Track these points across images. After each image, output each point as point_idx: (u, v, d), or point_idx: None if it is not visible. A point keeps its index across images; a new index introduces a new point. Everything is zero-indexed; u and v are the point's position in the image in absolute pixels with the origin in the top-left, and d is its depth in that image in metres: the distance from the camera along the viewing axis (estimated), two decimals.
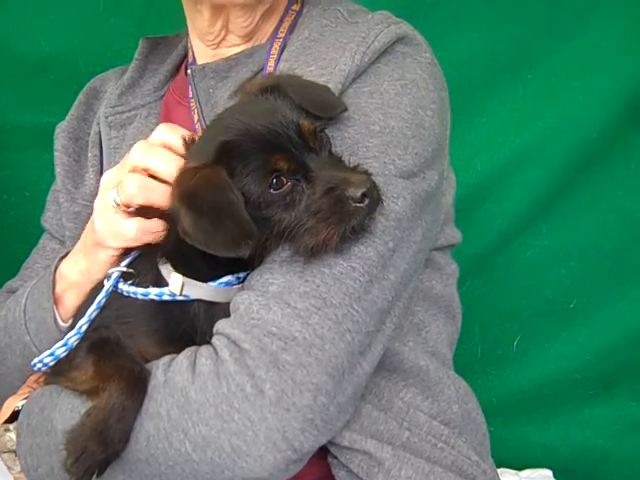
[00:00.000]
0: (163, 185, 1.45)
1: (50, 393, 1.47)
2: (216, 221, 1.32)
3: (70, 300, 1.58)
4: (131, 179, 1.49)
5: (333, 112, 1.44)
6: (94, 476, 1.33)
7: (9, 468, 1.53)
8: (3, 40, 2.57)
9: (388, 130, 1.50)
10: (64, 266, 1.63)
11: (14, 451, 1.50)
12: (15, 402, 1.54)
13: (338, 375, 1.33)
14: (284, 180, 1.34)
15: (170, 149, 1.49)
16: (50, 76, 2.57)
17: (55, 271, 1.63)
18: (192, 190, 1.33)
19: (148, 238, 1.47)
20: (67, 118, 1.95)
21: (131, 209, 1.49)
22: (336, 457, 1.52)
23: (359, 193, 1.29)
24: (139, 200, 1.47)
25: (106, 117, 1.86)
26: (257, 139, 1.34)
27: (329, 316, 1.34)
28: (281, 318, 1.33)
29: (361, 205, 1.30)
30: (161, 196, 1.43)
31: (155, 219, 1.46)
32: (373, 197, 1.31)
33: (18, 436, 1.49)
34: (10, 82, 2.59)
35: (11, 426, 1.51)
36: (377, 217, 1.38)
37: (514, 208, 2.52)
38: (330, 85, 1.52)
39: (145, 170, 1.48)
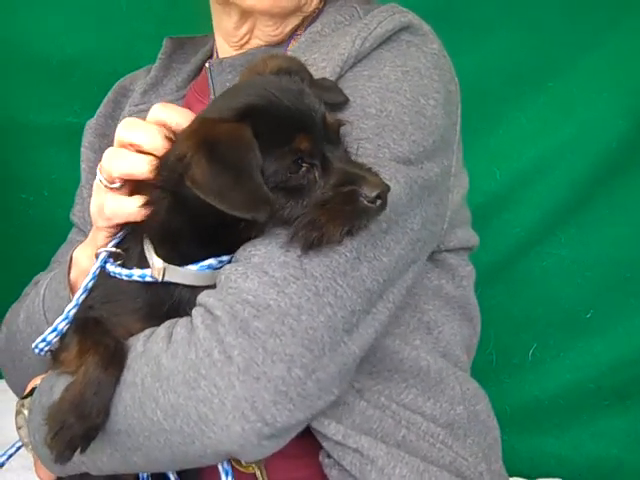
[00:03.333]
0: (140, 155, 1.42)
1: (59, 373, 1.47)
2: (237, 178, 1.25)
3: None
4: (108, 153, 1.49)
5: (336, 99, 1.43)
6: (77, 452, 1.32)
7: (24, 445, 1.54)
8: (25, 41, 2.61)
9: (385, 114, 1.47)
10: (76, 253, 1.64)
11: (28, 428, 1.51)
12: (38, 381, 1.55)
13: (317, 349, 1.28)
14: (303, 164, 1.30)
15: (163, 125, 1.46)
16: (72, 77, 2.60)
17: (71, 260, 1.64)
18: (214, 140, 1.27)
19: (125, 215, 1.46)
20: (96, 115, 1.96)
21: (115, 185, 1.48)
22: (328, 455, 1.49)
23: (374, 193, 1.27)
24: (115, 173, 1.46)
25: (130, 115, 1.85)
26: (285, 113, 1.30)
27: (308, 287, 1.30)
28: (257, 286, 1.30)
29: (372, 205, 1.28)
30: (137, 165, 1.41)
31: (135, 196, 1.43)
32: (384, 201, 1.29)
33: (29, 413, 1.50)
34: (32, 82, 2.63)
35: (26, 402, 1.52)
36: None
37: (532, 217, 2.52)
38: (328, 68, 1.51)
39: (131, 145, 1.47)
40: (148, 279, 1.41)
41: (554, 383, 2.60)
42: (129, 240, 1.49)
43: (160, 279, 1.40)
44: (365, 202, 1.28)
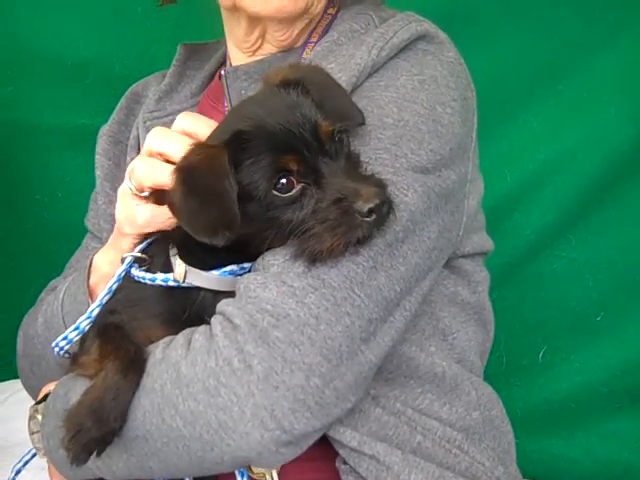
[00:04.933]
0: (170, 165, 1.43)
1: (75, 377, 1.48)
2: (203, 203, 1.31)
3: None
4: (139, 162, 1.50)
5: (348, 122, 1.41)
6: (93, 455, 1.33)
7: (37, 449, 1.55)
8: (41, 44, 2.63)
9: (402, 123, 1.48)
10: (97, 259, 1.66)
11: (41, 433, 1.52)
12: (51, 386, 1.56)
13: (335, 359, 1.30)
14: (294, 182, 1.32)
15: (190, 136, 1.48)
16: (86, 79, 2.62)
17: (90, 265, 1.66)
18: (190, 165, 1.33)
19: (157, 225, 1.48)
20: (109, 122, 1.97)
21: (144, 194, 1.50)
22: (345, 462, 1.50)
23: (366, 208, 1.26)
24: (148, 183, 1.48)
25: (144, 122, 1.87)
26: (270, 136, 1.31)
27: (326, 297, 1.31)
28: (276, 296, 1.31)
29: (368, 220, 1.28)
30: (169, 177, 1.41)
31: (164, 205, 1.44)
32: (382, 212, 1.29)
33: (43, 417, 1.51)
34: (47, 84, 2.65)
35: (39, 407, 1.53)
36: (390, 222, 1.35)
37: (543, 219, 2.52)
38: (344, 77, 1.51)
39: (160, 154, 1.49)
40: (171, 283, 1.43)
41: (564, 386, 2.59)
42: (154, 248, 1.51)
43: (182, 281, 1.41)
44: (359, 217, 1.28)
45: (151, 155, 1.51)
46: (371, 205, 1.27)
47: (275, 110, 1.35)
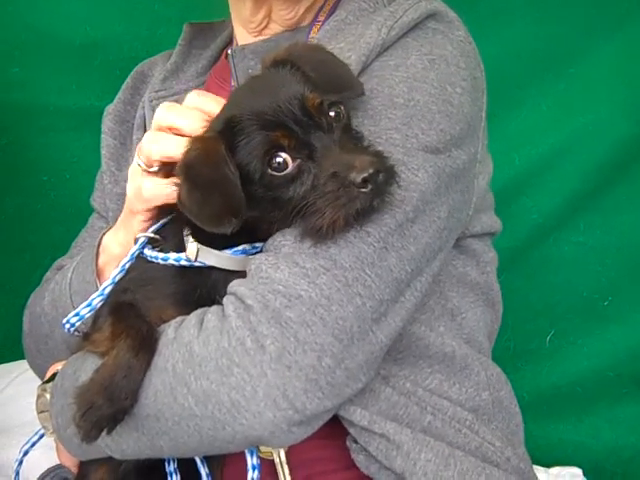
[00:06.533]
0: (178, 137, 1.45)
1: (83, 356, 1.49)
2: (206, 195, 1.33)
3: (111, 272, 1.58)
4: (146, 136, 1.51)
5: (347, 92, 1.42)
6: (103, 432, 1.34)
7: (45, 428, 1.56)
8: (49, 25, 2.62)
9: (412, 103, 1.48)
10: (106, 239, 1.66)
11: (49, 412, 1.52)
12: (59, 366, 1.57)
13: (346, 339, 1.31)
14: (289, 160, 1.32)
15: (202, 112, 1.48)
16: (94, 60, 2.61)
17: (99, 245, 1.66)
18: (190, 161, 1.35)
19: (163, 197, 1.48)
20: (115, 101, 1.97)
21: (153, 168, 1.50)
22: (355, 441, 1.51)
23: (359, 178, 1.26)
24: (156, 156, 1.48)
25: (150, 101, 1.87)
26: (259, 116, 1.33)
27: (338, 278, 1.32)
28: (288, 276, 1.32)
29: (364, 190, 1.27)
30: (177, 147, 1.41)
31: (172, 178, 1.45)
32: (378, 181, 1.28)
33: (52, 397, 1.52)
34: (55, 66, 2.64)
35: (48, 386, 1.54)
36: (393, 192, 1.35)
37: (551, 203, 2.51)
38: (353, 57, 1.51)
39: (169, 128, 1.49)
40: (183, 262, 1.44)
41: (572, 370, 2.59)
42: (168, 229, 1.51)
43: (193, 259, 1.42)
44: (356, 189, 1.27)
45: (160, 129, 1.50)
46: (365, 174, 1.26)
47: (263, 90, 1.37)
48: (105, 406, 1.31)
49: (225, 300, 1.37)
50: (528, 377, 2.62)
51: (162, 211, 1.53)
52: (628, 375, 2.53)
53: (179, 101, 1.55)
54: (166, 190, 1.45)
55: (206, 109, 1.48)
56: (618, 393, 2.56)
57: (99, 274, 1.63)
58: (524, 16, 2.46)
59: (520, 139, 2.51)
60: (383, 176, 1.29)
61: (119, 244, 1.62)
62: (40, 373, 1.78)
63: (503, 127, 2.43)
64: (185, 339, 1.35)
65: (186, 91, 1.82)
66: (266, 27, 1.76)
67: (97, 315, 1.51)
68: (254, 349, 1.29)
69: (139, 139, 1.79)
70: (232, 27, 1.87)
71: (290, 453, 1.54)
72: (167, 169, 1.47)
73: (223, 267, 1.43)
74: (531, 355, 2.63)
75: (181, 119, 1.47)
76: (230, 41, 1.92)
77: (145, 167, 1.51)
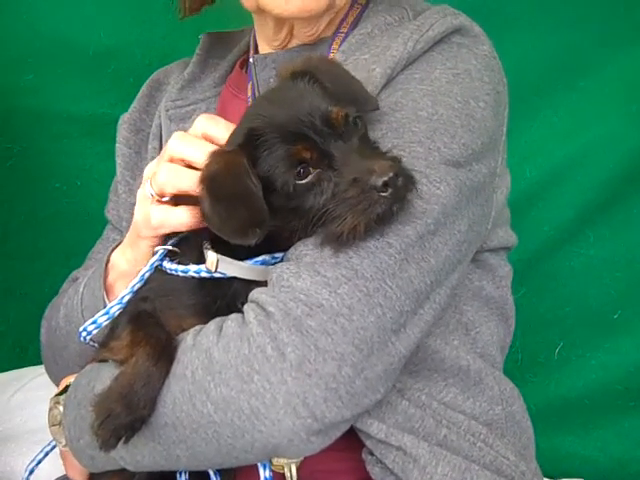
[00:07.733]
0: (193, 172, 1.45)
1: (98, 367, 1.50)
2: (230, 207, 1.35)
3: (120, 289, 1.59)
4: (162, 168, 1.50)
5: (363, 106, 1.43)
6: (121, 441, 1.34)
7: (57, 441, 1.56)
8: (63, 32, 2.62)
9: (436, 117, 1.49)
10: (115, 256, 1.67)
11: (62, 424, 1.53)
12: (71, 378, 1.57)
13: (367, 349, 1.32)
14: (310, 170, 1.34)
15: (211, 140, 1.49)
16: (108, 68, 2.62)
17: (107, 261, 1.66)
18: (212, 174, 1.36)
19: (171, 226, 1.49)
20: (130, 110, 1.97)
21: (165, 199, 1.50)
22: (371, 453, 1.51)
23: (380, 182, 1.27)
24: (170, 189, 1.48)
25: (167, 110, 1.87)
26: (280, 128, 1.34)
27: (359, 288, 1.33)
28: (309, 285, 1.33)
29: (384, 194, 1.29)
30: (192, 183, 1.42)
31: (181, 207, 1.47)
32: (397, 185, 1.29)
33: (65, 408, 1.52)
34: (69, 73, 2.64)
35: (61, 399, 1.54)
36: (413, 202, 1.37)
37: (562, 215, 2.51)
38: (378, 69, 1.52)
39: (182, 160, 1.49)
40: (203, 274, 1.44)
41: (580, 383, 2.58)
42: (186, 243, 1.52)
43: (213, 270, 1.42)
44: (377, 193, 1.29)
45: (172, 160, 1.51)
46: (385, 178, 1.28)
47: (284, 102, 1.38)
48: (123, 414, 1.32)
49: (246, 307, 1.38)
50: (536, 389, 2.60)
51: (169, 235, 1.54)
52: (636, 388, 2.53)
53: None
54: (176, 218, 1.47)
55: (214, 134, 1.50)
56: (626, 406, 2.55)
57: (108, 290, 1.64)
58: (535, 29, 2.47)
59: (531, 151, 2.51)
60: (402, 180, 1.30)
61: (127, 261, 1.62)
62: (57, 383, 1.77)
63: (514, 139, 2.38)
64: (204, 345, 1.35)
65: (202, 101, 1.85)
66: (289, 43, 1.77)
67: (115, 324, 1.51)
68: (274, 356, 1.29)
69: (155, 148, 1.83)
70: (250, 37, 1.88)
71: (302, 467, 1.54)
72: (177, 198, 1.49)
73: (243, 277, 1.43)
74: (540, 367, 2.62)
75: (194, 152, 1.48)
76: (247, 50, 1.92)
77: (157, 197, 1.51)
